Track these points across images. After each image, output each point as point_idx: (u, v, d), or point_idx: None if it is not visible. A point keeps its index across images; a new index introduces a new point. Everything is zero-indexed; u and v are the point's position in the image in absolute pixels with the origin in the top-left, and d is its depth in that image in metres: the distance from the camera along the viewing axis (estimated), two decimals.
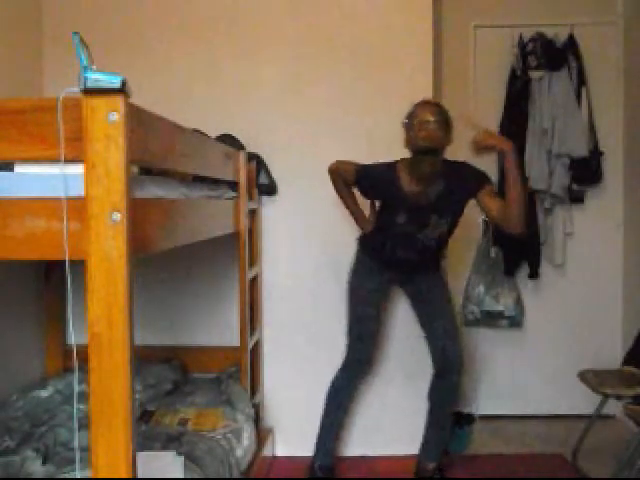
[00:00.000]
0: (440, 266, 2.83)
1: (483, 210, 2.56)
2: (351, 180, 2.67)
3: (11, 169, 1.28)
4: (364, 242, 2.78)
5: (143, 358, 2.63)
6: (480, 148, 2.48)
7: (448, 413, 2.79)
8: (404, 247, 2.64)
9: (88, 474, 1.26)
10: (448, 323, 2.73)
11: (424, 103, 2.49)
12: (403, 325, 3.05)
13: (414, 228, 2.59)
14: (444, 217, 2.58)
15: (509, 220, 2.40)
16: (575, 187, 3.48)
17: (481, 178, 2.55)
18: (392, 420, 3.07)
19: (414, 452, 2.87)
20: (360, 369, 2.84)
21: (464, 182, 2.55)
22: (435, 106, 2.48)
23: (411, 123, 2.45)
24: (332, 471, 2.81)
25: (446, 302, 2.78)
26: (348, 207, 2.78)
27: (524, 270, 3.55)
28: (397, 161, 2.58)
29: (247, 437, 2.46)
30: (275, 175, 3.00)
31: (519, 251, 3.52)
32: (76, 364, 1.26)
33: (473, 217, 3.59)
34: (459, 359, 2.71)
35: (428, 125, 2.40)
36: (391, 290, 2.93)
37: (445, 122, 2.41)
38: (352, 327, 2.78)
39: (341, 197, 2.78)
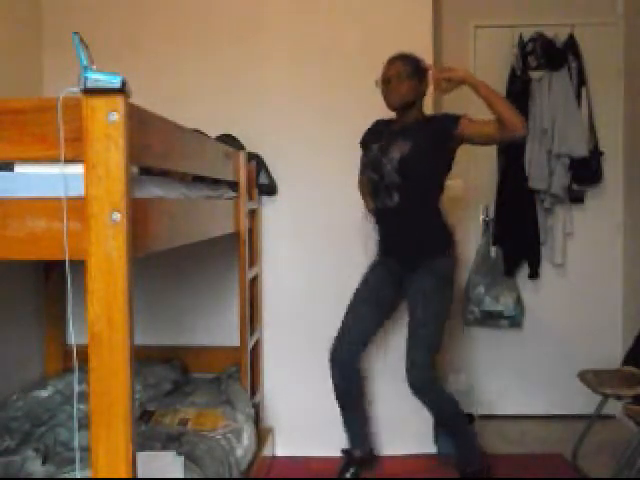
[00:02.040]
0: (443, 250, 2.61)
1: (479, 139, 2.50)
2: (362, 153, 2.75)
3: (11, 169, 1.28)
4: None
5: (143, 358, 2.63)
6: (442, 85, 2.43)
7: (448, 418, 2.73)
8: (378, 194, 2.60)
9: (88, 474, 1.26)
10: (418, 350, 2.55)
11: (387, 61, 2.57)
12: (404, 324, 3.04)
13: (380, 155, 2.57)
14: (407, 141, 2.52)
15: (509, 126, 2.33)
16: (575, 187, 3.48)
17: (451, 116, 2.53)
18: (395, 420, 3.07)
19: (416, 452, 2.87)
20: (337, 366, 2.69)
21: (435, 122, 2.57)
22: (396, 62, 2.54)
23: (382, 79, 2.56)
24: (368, 455, 2.79)
25: (431, 310, 2.55)
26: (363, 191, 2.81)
27: (524, 270, 3.55)
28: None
29: (247, 437, 2.46)
30: (275, 175, 3.00)
31: (519, 251, 3.52)
32: (76, 364, 1.26)
33: (473, 217, 3.61)
34: (421, 379, 2.55)
35: (388, 85, 2.54)
36: (397, 284, 2.70)
37: (407, 76, 2.50)
38: (347, 310, 2.72)
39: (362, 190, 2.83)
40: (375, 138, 2.66)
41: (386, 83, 2.54)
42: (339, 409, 2.75)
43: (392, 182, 2.54)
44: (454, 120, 2.48)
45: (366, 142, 2.73)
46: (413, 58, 2.55)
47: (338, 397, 2.72)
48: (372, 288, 2.71)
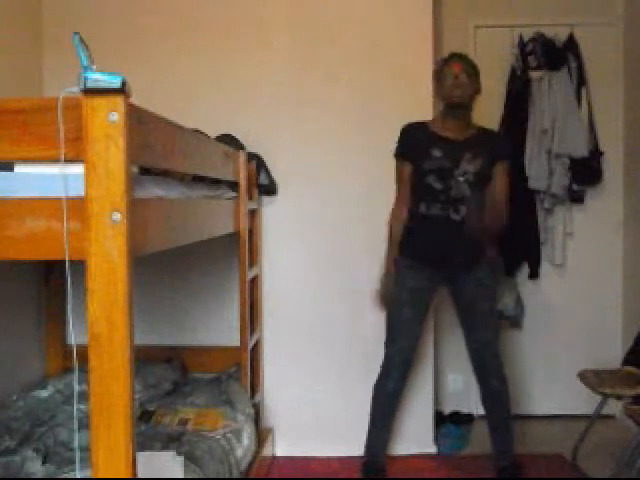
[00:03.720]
0: (486, 253, 2.70)
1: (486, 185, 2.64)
2: (402, 163, 2.67)
3: (11, 169, 1.28)
4: (402, 245, 2.68)
5: (143, 358, 2.63)
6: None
7: (502, 417, 2.77)
8: (437, 202, 2.58)
9: (88, 474, 1.25)
10: (488, 332, 2.69)
11: (450, 57, 2.63)
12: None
13: (448, 162, 2.57)
14: (477, 157, 2.59)
15: (492, 213, 2.58)
16: (575, 187, 3.48)
17: (508, 149, 2.74)
18: (395, 420, 3.07)
19: (416, 452, 2.87)
20: (396, 370, 2.71)
21: (494, 143, 2.67)
22: (460, 60, 2.59)
23: (439, 77, 2.61)
24: (382, 471, 2.77)
25: (489, 308, 2.71)
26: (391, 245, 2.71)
27: (524, 270, 3.55)
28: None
29: (247, 437, 2.46)
30: (275, 175, 3.00)
31: (519, 251, 3.52)
32: (76, 364, 1.26)
33: None
34: (496, 367, 2.69)
35: (454, 81, 2.54)
36: (435, 291, 2.77)
37: (469, 75, 2.55)
38: (388, 328, 2.71)
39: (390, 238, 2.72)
40: (428, 145, 2.59)
41: (453, 76, 2.55)
42: (370, 425, 2.76)
43: (461, 195, 2.56)
44: (506, 153, 2.71)
45: (417, 151, 2.62)
46: (474, 62, 2.64)
47: (376, 416, 2.75)
48: (413, 303, 2.67)
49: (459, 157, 2.57)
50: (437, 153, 2.58)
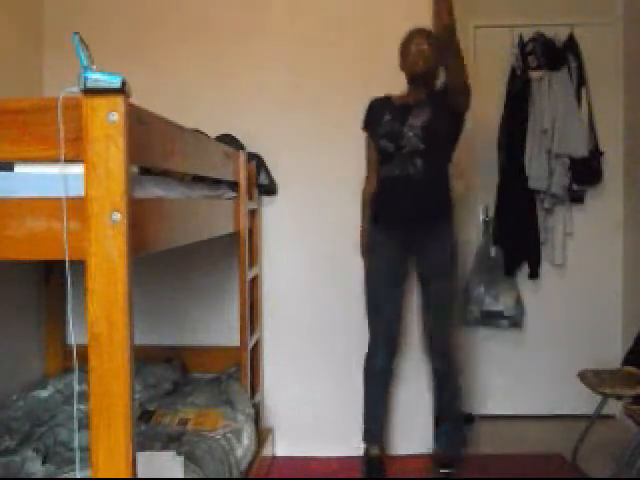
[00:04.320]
0: (450, 216, 2.74)
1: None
2: (368, 137, 2.79)
3: (11, 169, 1.28)
4: (374, 213, 2.77)
5: (143, 358, 2.64)
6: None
7: (452, 410, 2.80)
8: (394, 162, 2.65)
9: (88, 474, 1.25)
10: (440, 309, 2.73)
11: (412, 32, 2.67)
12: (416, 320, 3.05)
13: (398, 124, 2.64)
14: (425, 110, 2.65)
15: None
16: (575, 187, 3.48)
17: (463, 97, 2.68)
18: (395, 420, 3.07)
19: (416, 452, 2.87)
20: (383, 351, 2.76)
21: (451, 103, 2.66)
22: (421, 33, 2.65)
23: (402, 51, 2.67)
24: (380, 458, 2.80)
25: (446, 278, 2.73)
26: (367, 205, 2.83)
27: (524, 270, 3.55)
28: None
29: (247, 437, 2.46)
30: (275, 175, 3.00)
31: (519, 251, 3.52)
32: (76, 364, 1.26)
33: (473, 217, 3.61)
34: (443, 350, 2.73)
35: (416, 53, 2.62)
36: (406, 262, 2.80)
37: (431, 47, 2.62)
38: (368, 306, 2.76)
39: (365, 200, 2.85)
40: (383, 113, 2.71)
41: (414, 46, 2.63)
42: (365, 407, 2.81)
43: (415, 149, 2.61)
44: (465, 103, 2.67)
45: (373, 118, 2.76)
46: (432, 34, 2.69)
47: (369, 399, 2.80)
48: (387, 280, 2.74)
49: (406, 116, 2.65)
50: (387, 117, 2.68)
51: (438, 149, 2.65)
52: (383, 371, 2.79)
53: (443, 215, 2.70)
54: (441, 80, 2.74)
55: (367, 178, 2.84)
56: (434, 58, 2.64)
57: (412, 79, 2.69)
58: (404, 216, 2.68)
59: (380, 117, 2.71)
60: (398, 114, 2.67)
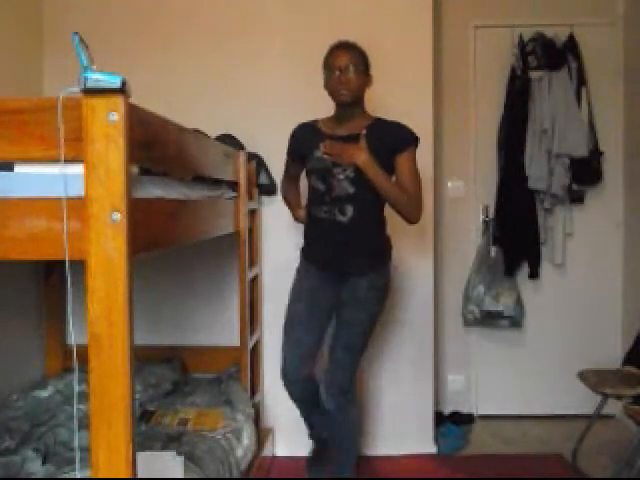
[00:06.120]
0: (381, 262, 2.45)
1: (395, 173, 2.35)
2: (289, 161, 2.57)
3: (11, 169, 1.28)
4: (303, 247, 2.54)
5: (143, 358, 2.63)
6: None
7: (341, 445, 2.54)
8: (323, 204, 2.35)
9: (88, 474, 1.26)
10: (346, 350, 2.42)
11: (336, 46, 2.36)
12: (403, 325, 3.05)
13: (329, 163, 2.31)
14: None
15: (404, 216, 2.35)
16: (575, 187, 3.48)
17: (406, 137, 2.34)
18: (395, 420, 3.07)
19: (416, 452, 2.86)
20: (291, 385, 2.50)
21: (386, 134, 2.34)
22: (346, 51, 2.34)
23: (325, 67, 2.37)
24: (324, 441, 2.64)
25: (358, 321, 2.42)
26: (289, 201, 2.69)
27: (524, 270, 3.55)
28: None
29: (247, 437, 2.46)
30: (275, 175, 3.00)
31: (519, 251, 3.52)
32: (76, 364, 1.26)
33: (473, 217, 3.61)
34: (336, 394, 2.43)
35: (339, 77, 2.30)
36: (329, 291, 2.46)
37: (357, 70, 2.31)
38: (285, 329, 2.49)
39: (285, 198, 2.71)
40: (312, 144, 2.38)
41: (337, 71, 2.31)
42: (298, 410, 2.62)
43: (345, 194, 2.31)
44: (406, 143, 2.33)
45: (300, 149, 2.47)
46: (363, 50, 2.41)
47: (299, 407, 2.61)
48: (309, 304, 2.46)
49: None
50: (318, 153, 2.34)
51: (371, 192, 2.29)
52: (304, 384, 2.53)
53: (372, 264, 2.40)
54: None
55: (283, 182, 2.69)
56: (359, 85, 2.34)
57: (339, 106, 2.39)
58: (328, 264, 2.42)
59: (309, 150, 2.39)
60: (327, 145, 2.32)
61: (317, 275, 2.46)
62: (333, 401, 2.44)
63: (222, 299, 3.07)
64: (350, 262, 2.38)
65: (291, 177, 2.65)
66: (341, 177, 2.31)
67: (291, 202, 2.71)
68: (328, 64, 2.36)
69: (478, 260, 3.52)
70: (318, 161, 2.36)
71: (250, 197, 2.78)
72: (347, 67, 2.31)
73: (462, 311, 3.49)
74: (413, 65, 3.02)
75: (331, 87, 2.35)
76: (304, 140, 2.46)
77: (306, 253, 2.52)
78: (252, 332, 2.85)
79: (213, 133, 2.77)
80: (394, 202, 2.31)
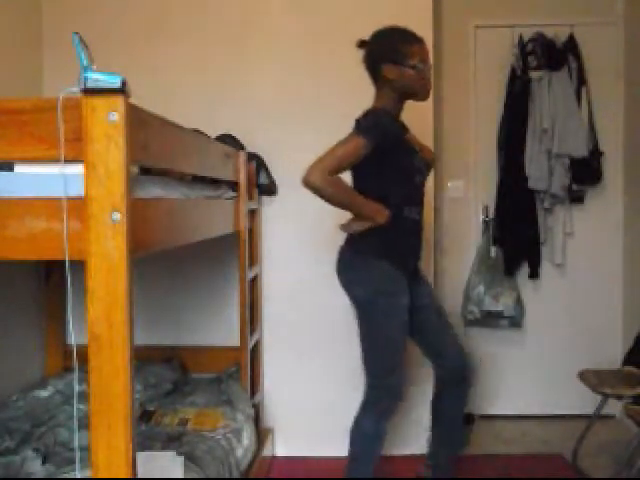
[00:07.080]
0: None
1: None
2: (361, 153, 2.11)
3: (11, 169, 1.28)
4: (377, 242, 2.21)
5: (143, 358, 2.63)
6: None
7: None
8: (418, 210, 2.26)
9: (88, 474, 1.26)
10: (453, 335, 2.43)
11: (418, 39, 2.17)
12: None
13: (416, 158, 2.26)
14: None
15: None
16: (575, 187, 3.48)
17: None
18: (395, 420, 3.06)
19: (416, 452, 2.86)
20: (391, 408, 2.31)
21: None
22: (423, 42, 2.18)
23: (402, 59, 2.13)
24: None
25: (442, 307, 2.49)
26: (354, 203, 2.23)
27: (524, 270, 3.55)
28: (380, 108, 2.21)
29: (247, 437, 2.46)
30: (275, 175, 3.00)
31: (519, 251, 3.52)
32: (76, 364, 1.26)
33: (473, 217, 3.61)
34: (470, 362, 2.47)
35: (428, 70, 2.15)
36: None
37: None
38: (384, 356, 2.25)
39: (340, 201, 2.25)
40: (400, 138, 2.23)
41: (428, 65, 2.17)
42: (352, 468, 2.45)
43: (420, 193, 2.29)
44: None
45: (392, 140, 2.16)
46: None
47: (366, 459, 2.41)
48: (407, 320, 2.24)
49: (413, 147, 2.28)
50: (409, 149, 2.25)
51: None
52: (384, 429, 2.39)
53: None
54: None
55: (327, 170, 2.17)
56: None
57: (405, 99, 2.21)
58: (408, 260, 2.30)
59: (397, 144, 2.18)
60: (409, 144, 2.25)
61: (405, 283, 2.22)
62: (468, 383, 2.39)
63: (222, 299, 3.07)
64: (417, 257, 2.34)
65: (343, 171, 2.18)
66: (421, 178, 2.30)
67: (359, 198, 2.21)
68: (418, 56, 2.13)
69: (478, 260, 3.52)
70: (417, 158, 2.25)
71: (250, 197, 2.78)
72: (428, 58, 2.18)
73: (462, 311, 3.49)
74: None
75: (419, 81, 2.14)
76: (397, 132, 2.22)
77: (396, 261, 2.20)
78: (252, 332, 2.85)
79: (213, 133, 2.77)
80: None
